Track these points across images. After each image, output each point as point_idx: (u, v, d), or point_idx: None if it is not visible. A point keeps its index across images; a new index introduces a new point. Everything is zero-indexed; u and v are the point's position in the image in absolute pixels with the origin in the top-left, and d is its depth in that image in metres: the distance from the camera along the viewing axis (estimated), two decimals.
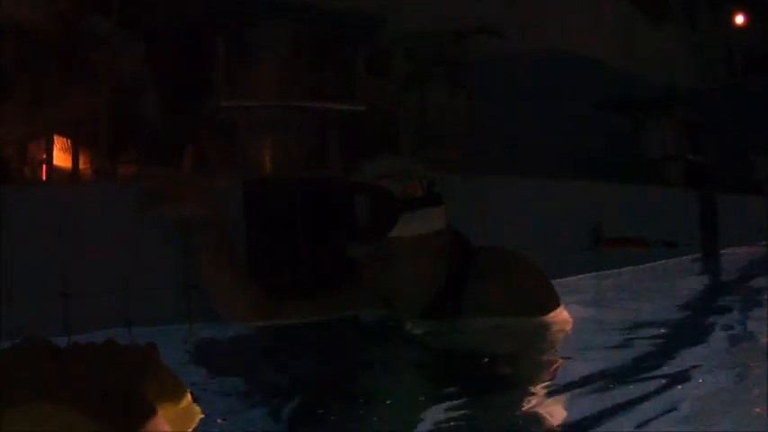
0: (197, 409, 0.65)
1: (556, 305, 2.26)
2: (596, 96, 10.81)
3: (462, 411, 1.60)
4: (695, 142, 11.81)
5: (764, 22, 17.46)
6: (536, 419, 1.58)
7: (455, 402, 1.64)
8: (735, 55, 17.92)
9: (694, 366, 2.01)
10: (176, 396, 0.62)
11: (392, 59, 9.60)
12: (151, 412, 0.56)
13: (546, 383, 1.84)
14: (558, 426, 1.57)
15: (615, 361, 2.06)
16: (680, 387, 1.78)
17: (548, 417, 1.59)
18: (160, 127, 8.56)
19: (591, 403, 1.61)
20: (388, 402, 1.70)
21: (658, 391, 1.70)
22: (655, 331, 2.65)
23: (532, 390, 1.77)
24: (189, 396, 0.64)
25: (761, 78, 17.57)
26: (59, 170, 9.21)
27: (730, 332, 2.74)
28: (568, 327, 2.26)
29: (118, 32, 9.71)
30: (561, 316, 2.25)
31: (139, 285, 2.25)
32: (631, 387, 1.75)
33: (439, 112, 9.81)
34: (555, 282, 2.39)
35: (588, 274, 4.34)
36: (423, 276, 2.13)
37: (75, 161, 9.38)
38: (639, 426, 1.47)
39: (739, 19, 17.28)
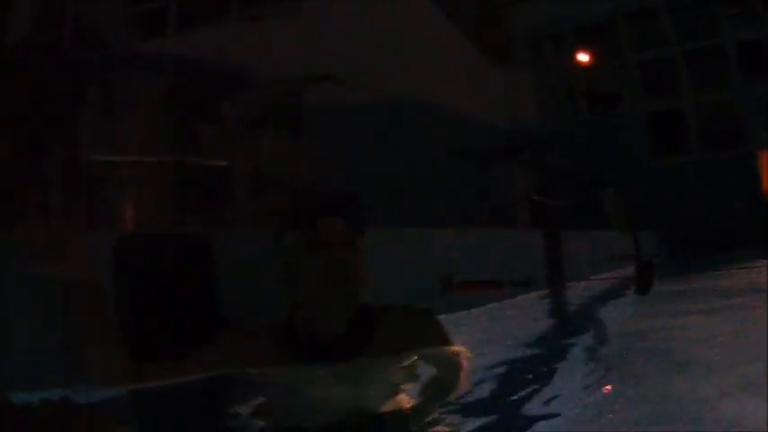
0: None
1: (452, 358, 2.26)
2: (442, 143, 11.06)
3: None
4: (543, 183, 12.31)
5: (608, 59, 18.47)
6: None
7: None
8: (579, 94, 18.94)
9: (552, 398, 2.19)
10: None
11: (233, 108, 9.64)
12: None
13: None
14: None
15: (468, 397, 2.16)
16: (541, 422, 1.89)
17: None
18: (9, 175, 8.17)
19: None
20: None
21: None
22: (506, 369, 2.72)
23: None
24: None
25: (605, 116, 18.69)
26: None
27: (580, 363, 2.87)
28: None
29: None
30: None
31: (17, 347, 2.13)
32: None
33: (279, 162, 9.80)
34: None
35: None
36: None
37: None
38: None
39: (583, 57, 18.20)
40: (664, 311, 4.84)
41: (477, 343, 3.61)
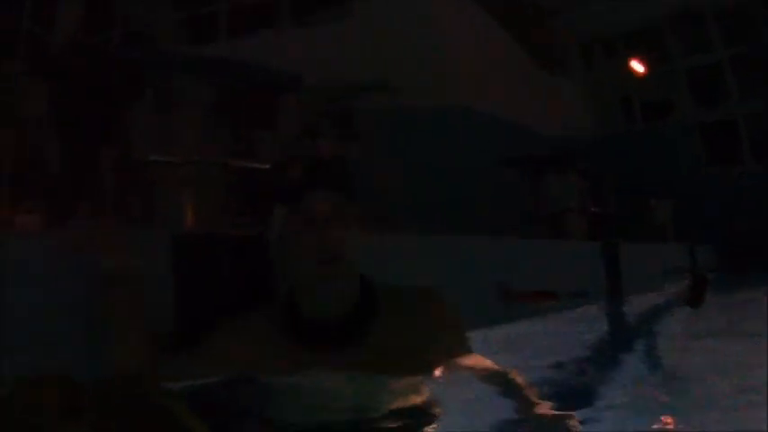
0: None
1: (465, 350, 2.08)
2: (496, 151, 10.98)
3: None
4: (596, 193, 12.14)
5: (658, 65, 18.19)
6: None
7: None
8: (633, 102, 18.67)
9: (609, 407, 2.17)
10: None
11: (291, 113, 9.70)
12: None
13: None
14: None
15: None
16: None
17: None
18: (65, 176, 8.30)
19: None
20: None
21: None
22: (564, 374, 2.68)
23: None
24: None
25: (658, 124, 18.42)
26: None
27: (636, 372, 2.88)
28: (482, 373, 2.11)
29: (24, 73, 9.49)
30: (471, 361, 2.10)
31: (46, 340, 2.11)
32: None
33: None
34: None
35: (498, 327, 4.29)
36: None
37: None
38: None
39: (636, 66, 17.92)
40: (716, 329, 4.70)
41: (533, 352, 3.54)
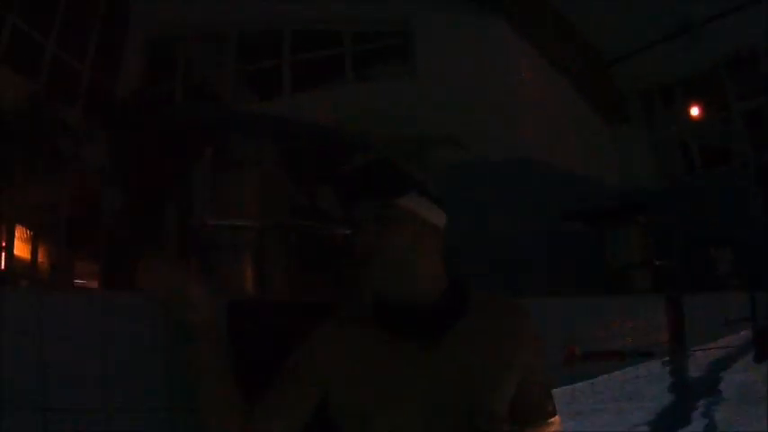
0: None
1: (541, 379, 2.14)
2: (555, 204, 10.93)
3: None
4: (659, 244, 11.99)
5: (716, 111, 17.95)
6: None
7: None
8: (692, 149, 18.43)
9: None
10: None
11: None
12: None
13: None
14: None
15: None
16: None
17: None
18: (124, 228, 8.44)
19: None
20: None
21: None
22: None
23: None
24: None
25: (717, 171, 18.09)
26: (18, 260, 9.04)
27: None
28: None
29: (85, 122, 9.67)
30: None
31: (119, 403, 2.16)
32: None
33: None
34: None
35: (564, 388, 4.34)
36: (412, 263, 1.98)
37: (33, 252, 9.20)
38: None
39: (695, 111, 17.74)
40: None
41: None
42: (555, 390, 4.15)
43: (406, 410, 1.89)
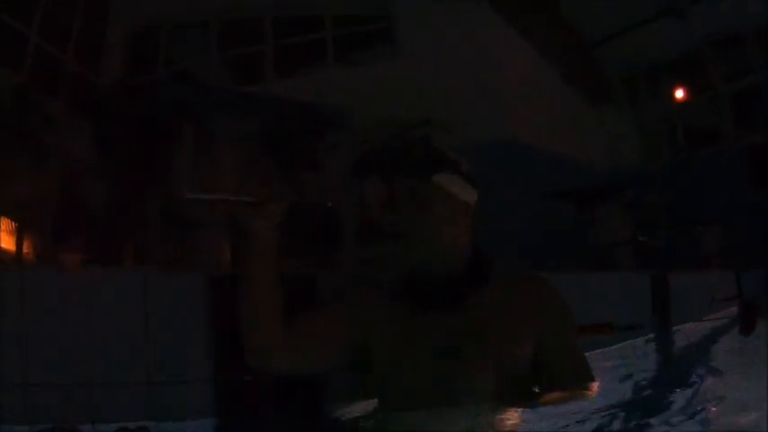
0: None
1: (570, 340, 2.10)
2: (542, 185, 10.97)
3: None
4: (643, 223, 12.04)
5: (701, 91, 18.00)
6: None
7: None
8: (678, 131, 18.48)
9: None
10: None
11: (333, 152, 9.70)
12: None
13: None
14: None
15: None
16: None
17: None
18: (109, 215, 8.40)
19: None
20: None
21: None
22: (619, 410, 2.70)
23: None
24: None
25: (703, 152, 18.16)
26: (3, 251, 9.01)
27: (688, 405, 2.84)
28: None
29: (69, 114, 9.61)
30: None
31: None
32: None
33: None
34: None
35: None
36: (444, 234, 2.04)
37: (18, 244, 9.17)
38: None
39: (679, 93, 17.79)
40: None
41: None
42: None
43: (432, 368, 1.94)
